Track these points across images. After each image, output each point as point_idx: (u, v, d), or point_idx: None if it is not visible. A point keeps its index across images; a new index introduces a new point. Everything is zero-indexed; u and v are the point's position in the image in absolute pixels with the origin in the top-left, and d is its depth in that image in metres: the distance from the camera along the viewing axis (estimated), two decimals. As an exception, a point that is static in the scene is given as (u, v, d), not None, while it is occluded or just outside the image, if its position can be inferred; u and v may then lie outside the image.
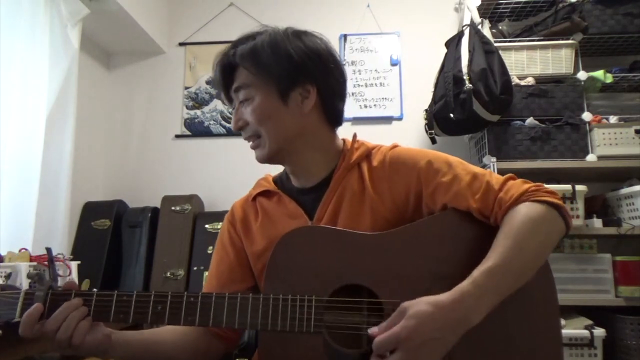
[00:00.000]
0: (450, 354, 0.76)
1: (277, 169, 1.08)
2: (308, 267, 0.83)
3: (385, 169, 0.94)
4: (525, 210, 0.81)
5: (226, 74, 0.95)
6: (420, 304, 0.71)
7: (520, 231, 0.79)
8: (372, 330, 0.73)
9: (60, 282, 1.44)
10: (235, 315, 0.79)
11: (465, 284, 0.74)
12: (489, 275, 0.74)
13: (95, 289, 0.81)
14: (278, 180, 1.05)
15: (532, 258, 0.80)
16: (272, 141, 0.92)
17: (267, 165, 1.00)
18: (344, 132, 1.05)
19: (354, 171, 0.95)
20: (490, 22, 2.34)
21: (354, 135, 1.03)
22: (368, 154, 0.98)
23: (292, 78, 0.91)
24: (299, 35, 0.94)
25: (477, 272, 0.75)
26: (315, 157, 0.96)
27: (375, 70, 2.68)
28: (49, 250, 0.98)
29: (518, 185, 0.86)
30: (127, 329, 1.06)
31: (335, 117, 0.99)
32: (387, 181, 0.93)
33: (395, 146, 0.98)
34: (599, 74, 2.17)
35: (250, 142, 0.96)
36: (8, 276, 1.07)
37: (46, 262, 1.46)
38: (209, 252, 2.26)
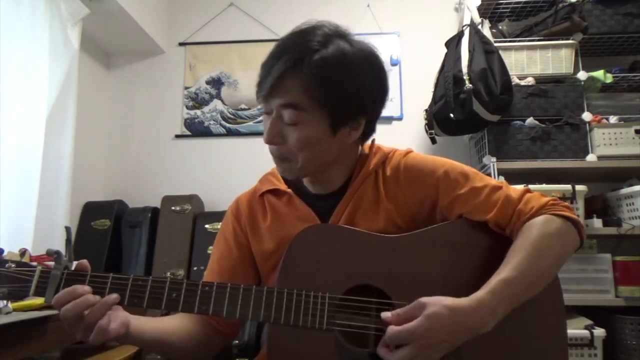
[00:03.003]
0: (459, 354, 0.77)
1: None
2: (322, 265, 0.83)
3: (399, 177, 0.93)
4: (544, 222, 0.83)
5: (279, 79, 0.81)
6: (438, 306, 0.72)
7: (538, 243, 0.80)
8: (385, 315, 0.74)
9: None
10: (248, 307, 0.79)
11: (483, 293, 0.74)
12: (506, 285, 0.75)
13: (111, 273, 0.79)
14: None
15: (547, 269, 0.81)
16: (306, 167, 0.87)
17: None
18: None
19: (370, 178, 0.94)
20: (490, 22, 2.34)
21: (372, 141, 0.99)
22: (384, 160, 0.96)
23: (351, 115, 0.86)
24: (367, 56, 0.86)
25: (494, 281, 0.76)
26: (338, 169, 0.94)
27: (375, 70, 2.68)
28: (67, 229, 0.98)
29: (537, 198, 0.87)
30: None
31: (370, 135, 0.95)
32: (401, 189, 0.92)
33: (409, 152, 0.97)
34: (599, 74, 2.17)
35: (276, 157, 0.89)
36: (23, 253, 1.06)
37: (46, 263, 1.46)
38: (209, 252, 2.25)
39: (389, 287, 0.82)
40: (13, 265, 0.78)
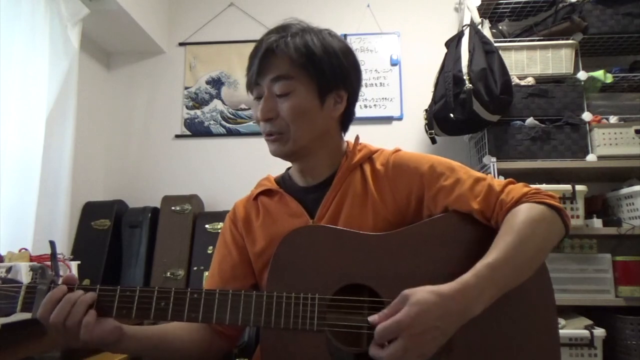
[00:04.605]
0: (450, 351, 0.77)
1: (279, 168, 1.08)
2: (311, 266, 0.84)
3: (388, 171, 0.96)
4: (527, 209, 0.84)
5: (266, 59, 0.90)
6: (422, 292, 0.71)
7: (522, 228, 0.80)
8: (372, 318, 0.73)
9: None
10: (238, 312, 0.79)
11: (467, 276, 0.75)
12: (491, 269, 0.76)
13: (98, 285, 0.79)
14: (280, 180, 1.06)
15: (533, 255, 0.81)
16: (298, 139, 0.91)
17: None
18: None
19: (356, 172, 0.97)
20: (490, 22, 2.34)
21: (357, 137, 1.04)
22: (370, 156, 1.00)
23: (335, 82, 0.92)
24: (341, 40, 0.96)
25: (479, 265, 0.76)
26: (324, 157, 0.98)
27: (376, 70, 2.68)
28: (52, 243, 0.98)
29: (519, 188, 0.89)
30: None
31: (349, 121, 1.02)
32: (389, 184, 0.95)
33: (397, 150, 1.01)
34: (599, 74, 2.17)
35: (270, 136, 0.93)
36: (8, 270, 1.07)
37: (46, 262, 1.46)
38: (209, 252, 2.26)
39: (379, 285, 0.82)
40: None
